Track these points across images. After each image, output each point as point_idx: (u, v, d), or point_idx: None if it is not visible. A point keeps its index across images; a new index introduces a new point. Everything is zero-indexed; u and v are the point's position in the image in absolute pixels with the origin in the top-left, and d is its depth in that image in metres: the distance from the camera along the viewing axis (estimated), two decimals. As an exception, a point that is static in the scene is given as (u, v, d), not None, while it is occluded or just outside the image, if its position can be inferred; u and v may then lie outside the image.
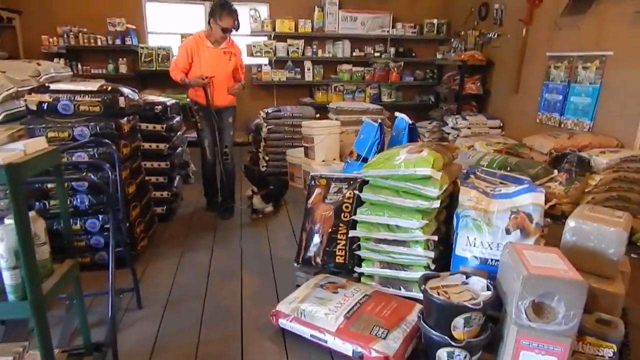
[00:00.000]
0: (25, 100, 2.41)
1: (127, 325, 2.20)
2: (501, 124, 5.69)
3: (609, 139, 4.04)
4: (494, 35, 5.88)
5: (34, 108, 2.40)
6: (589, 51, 4.35)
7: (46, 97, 2.39)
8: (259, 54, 6.67)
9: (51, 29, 6.10)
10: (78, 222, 2.55)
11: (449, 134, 5.71)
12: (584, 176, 3.66)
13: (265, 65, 6.79)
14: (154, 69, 6.27)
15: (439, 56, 7.07)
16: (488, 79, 6.12)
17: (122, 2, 6.33)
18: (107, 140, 2.18)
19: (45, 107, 2.40)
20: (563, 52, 4.69)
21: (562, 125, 4.68)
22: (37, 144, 1.43)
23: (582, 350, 1.80)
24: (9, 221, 1.33)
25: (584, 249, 1.96)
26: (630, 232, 3.21)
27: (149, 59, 6.27)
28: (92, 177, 2.35)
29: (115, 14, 6.26)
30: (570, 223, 2.01)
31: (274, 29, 6.66)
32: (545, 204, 2.31)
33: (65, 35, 6.11)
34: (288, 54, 6.78)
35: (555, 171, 3.25)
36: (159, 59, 6.29)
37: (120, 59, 6.32)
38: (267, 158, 5.05)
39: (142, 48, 6.25)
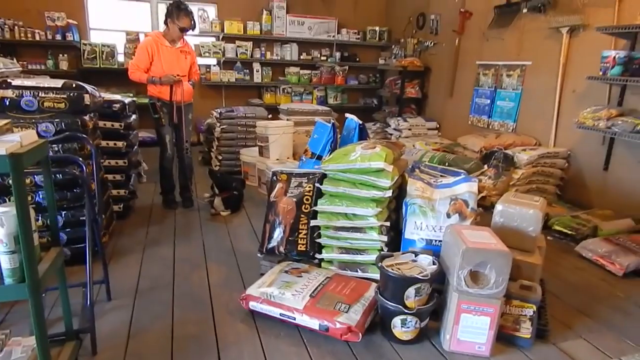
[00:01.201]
0: (-14, 96, 2.39)
1: (99, 315, 2.25)
2: (438, 126, 6.20)
3: (529, 138, 4.61)
4: (431, 43, 6.40)
5: (-5, 104, 2.39)
6: (511, 60, 4.92)
7: (9, 93, 2.39)
8: (207, 54, 6.72)
9: (-18, 21, 5.76)
10: (40, 218, 2.55)
11: (391, 134, 6.12)
12: (509, 171, 4.17)
13: (214, 65, 6.85)
14: (97, 66, 6.12)
15: (381, 61, 7.52)
16: (426, 84, 6.64)
17: (61, -4, 6.11)
18: (83, 135, 2.23)
19: (7, 103, 2.39)
20: (490, 61, 5.25)
21: (490, 127, 5.24)
22: (30, 137, 1.52)
23: (509, 312, 2.16)
24: (6, 208, 1.42)
25: (509, 228, 2.34)
26: (546, 217, 3.75)
27: (93, 55, 6.11)
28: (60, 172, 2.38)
29: (54, 7, 6.03)
30: (499, 207, 2.39)
31: (222, 30, 6.74)
32: (478, 195, 2.70)
33: (-1, 28, 5.79)
34: (237, 55, 6.89)
35: (485, 166, 3.69)
36: (103, 56, 6.14)
37: (61, 55, 6.10)
38: (220, 157, 5.14)
39: (85, 44, 6.08)
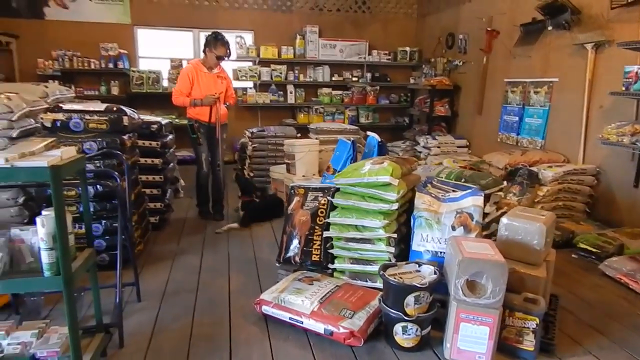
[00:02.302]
0: (41, 119, 2.76)
1: (129, 314, 2.51)
2: (467, 143, 6.21)
3: (557, 156, 4.55)
4: (460, 62, 6.47)
5: (49, 125, 2.75)
6: (538, 77, 4.91)
7: (60, 116, 2.75)
8: (244, 77, 7.12)
9: (46, 53, 6.47)
10: (83, 226, 2.86)
11: (420, 152, 6.19)
12: (534, 188, 4.14)
13: (250, 88, 7.24)
14: (144, 91, 6.65)
15: (411, 81, 7.64)
16: (455, 102, 6.68)
17: (114, 28, 6.74)
18: (118, 152, 2.54)
19: (58, 125, 2.76)
20: (517, 78, 5.25)
21: (519, 144, 5.20)
22: (70, 152, 1.79)
23: (512, 324, 2.20)
24: (47, 212, 1.68)
25: (514, 241, 2.38)
26: (571, 235, 3.69)
27: (140, 81, 6.65)
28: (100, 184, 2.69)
29: (108, 39, 6.65)
30: (504, 220, 2.44)
31: (258, 55, 7.14)
32: (498, 211, 2.77)
33: (60, 59, 6.47)
34: (272, 78, 7.25)
35: (505, 182, 3.70)
36: (149, 82, 6.68)
37: (113, 82, 6.69)
38: (251, 174, 5.41)
39: (134, 71, 6.64)
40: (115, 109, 2.91)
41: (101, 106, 2.89)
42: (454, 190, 2.83)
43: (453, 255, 2.16)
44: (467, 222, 2.45)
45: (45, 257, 1.67)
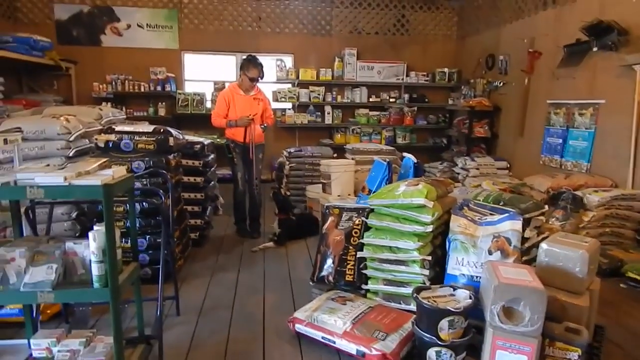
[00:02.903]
0: (96, 139, 2.98)
1: (168, 327, 2.61)
2: (508, 165, 6.06)
3: (604, 179, 4.36)
4: (500, 83, 6.38)
5: (102, 145, 2.96)
6: (583, 99, 4.76)
7: (112, 137, 2.96)
8: (283, 99, 7.32)
9: (101, 77, 6.95)
10: (129, 241, 3.02)
11: (458, 174, 6.09)
12: (578, 212, 3.98)
13: (289, 109, 7.43)
14: (189, 112, 6.98)
15: (450, 102, 7.58)
16: (495, 123, 6.56)
17: (163, 54, 7.15)
18: (163, 171, 2.69)
19: (111, 145, 2.97)
20: (561, 100, 5.11)
21: (563, 167, 5.03)
22: (120, 172, 1.93)
23: (552, 354, 2.11)
24: (98, 227, 1.81)
25: (555, 268, 2.30)
26: (619, 263, 3.52)
27: (185, 103, 6.99)
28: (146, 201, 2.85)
29: (157, 64, 7.07)
30: (543, 246, 2.37)
31: (297, 77, 7.33)
32: (539, 236, 2.70)
33: (113, 82, 6.91)
34: (310, 99, 7.41)
35: (546, 206, 3.58)
36: (194, 104, 7.00)
37: (160, 103, 7.06)
38: (288, 193, 5.51)
39: (180, 94, 7.00)
40: (162, 130, 3.09)
41: (149, 127, 3.08)
42: (491, 214, 2.78)
43: (489, 280, 2.12)
44: (504, 246, 2.40)
45: (95, 270, 1.79)
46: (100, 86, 6.85)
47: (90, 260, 1.82)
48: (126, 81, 6.94)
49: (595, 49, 4.51)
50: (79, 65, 6.87)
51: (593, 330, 2.39)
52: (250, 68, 4.11)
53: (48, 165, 2.07)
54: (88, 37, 6.94)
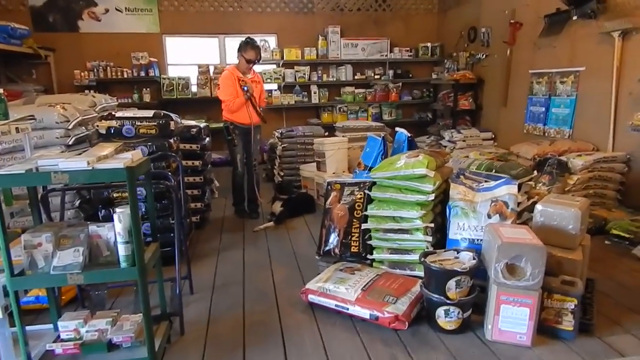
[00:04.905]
0: (97, 126, 2.98)
1: (184, 305, 2.67)
2: (493, 136, 6.24)
3: (586, 144, 4.57)
4: (483, 55, 6.50)
5: (104, 132, 2.97)
6: (564, 67, 4.93)
7: (114, 123, 2.97)
8: (269, 80, 7.29)
9: (82, 64, 6.79)
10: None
11: (445, 146, 6.24)
12: (563, 177, 4.17)
13: (275, 90, 7.42)
14: (175, 97, 6.91)
15: (434, 76, 7.69)
16: (479, 95, 6.71)
17: (144, 38, 7.01)
18: (172, 154, 2.73)
19: (112, 131, 2.97)
20: (543, 69, 5.27)
21: (546, 134, 5.22)
22: (138, 155, 1.97)
23: (551, 306, 2.29)
24: (122, 209, 1.86)
25: (550, 227, 2.46)
26: (604, 221, 3.73)
27: (170, 88, 6.92)
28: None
29: (138, 49, 6.93)
30: (539, 207, 2.52)
31: (282, 57, 7.31)
32: (529, 200, 2.85)
33: (95, 69, 6.77)
34: (295, 79, 7.41)
35: (535, 172, 3.75)
36: (179, 88, 6.93)
37: (144, 89, 6.96)
38: (282, 173, 5.59)
39: (164, 79, 6.91)
40: (162, 114, 3.11)
41: (149, 112, 3.09)
42: (486, 181, 2.92)
43: (491, 241, 2.27)
44: (502, 209, 2.54)
45: (122, 250, 1.85)
46: (82, 74, 6.70)
47: (115, 242, 1.89)
48: (108, 67, 6.80)
49: (575, 17, 4.65)
50: (57, 52, 6.68)
51: (585, 283, 2.57)
52: (248, 49, 4.11)
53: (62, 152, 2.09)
54: (65, 23, 6.75)
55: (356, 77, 7.65)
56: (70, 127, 3.11)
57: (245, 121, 4.18)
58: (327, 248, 3.09)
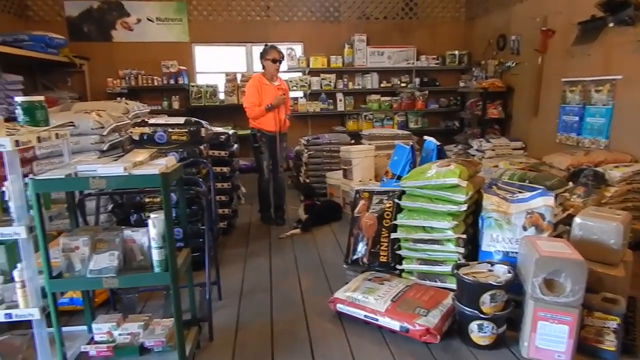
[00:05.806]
0: (130, 132, 3.05)
1: (213, 310, 2.68)
2: (523, 145, 6.08)
3: (623, 155, 4.40)
4: (513, 63, 6.37)
5: (137, 138, 3.03)
6: (599, 76, 4.77)
7: (147, 130, 3.03)
8: (295, 88, 7.34)
9: (114, 72, 6.98)
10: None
11: (474, 156, 6.12)
12: (599, 189, 4.02)
13: (301, 97, 7.45)
14: (203, 104, 7.03)
15: (461, 84, 7.58)
16: (509, 104, 6.57)
17: (174, 47, 7.17)
18: (204, 160, 2.76)
19: (145, 138, 3.03)
20: (576, 78, 5.12)
21: (580, 144, 5.06)
22: (171, 161, 2.00)
23: (591, 324, 2.19)
24: (156, 215, 1.88)
25: (589, 241, 2.37)
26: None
27: (199, 95, 7.04)
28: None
29: (168, 57, 7.08)
30: (577, 220, 2.43)
31: (308, 65, 7.34)
32: (564, 212, 2.76)
33: (126, 77, 6.95)
34: (321, 87, 7.43)
35: (570, 183, 3.63)
36: (207, 96, 7.05)
37: (173, 96, 7.10)
38: (307, 181, 5.59)
39: (193, 86, 7.03)
40: (193, 121, 3.15)
41: (181, 119, 3.14)
42: (520, 192, 2.85)
43: (528, 254, 2.19)
44: (538, 222, 2.46)
45: (156, 255, 1.87)
46: (114, 81, 6.89)
47: (149, 247, 1.91)
48: (139, 76, 6.97)
49: (611, 24, 4.50)
50: (91, 61, 6.89)
51: (627, 301, 2.46)
52: (269, 51, 4.20)
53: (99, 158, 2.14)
54: (99, 33, 6.97)
55: (382, 85, 7.62)
56: (104, 133, 3.18)
57: (271, 128, 4.22)
58: (355, 257, 3.05)
